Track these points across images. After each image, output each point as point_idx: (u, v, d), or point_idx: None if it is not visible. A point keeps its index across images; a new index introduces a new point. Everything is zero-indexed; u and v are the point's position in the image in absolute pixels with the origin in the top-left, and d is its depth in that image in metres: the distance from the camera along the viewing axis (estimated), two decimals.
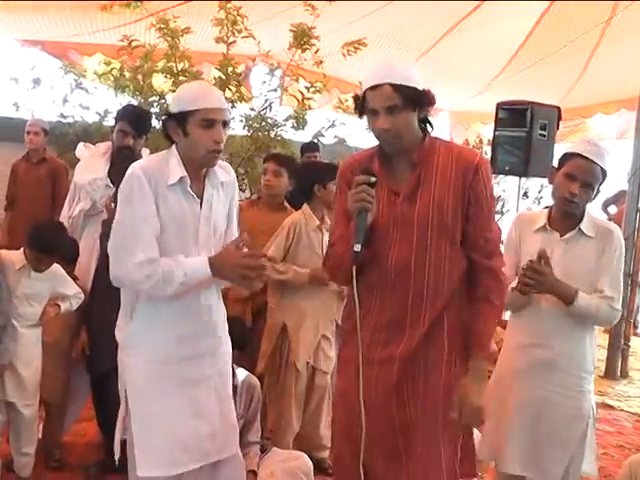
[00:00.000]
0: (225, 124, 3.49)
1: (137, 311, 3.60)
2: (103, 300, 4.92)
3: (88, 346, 5.05)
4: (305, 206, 5.60)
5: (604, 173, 3.88)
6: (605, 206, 12.08)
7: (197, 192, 3.54)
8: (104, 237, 4.97)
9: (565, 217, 3.94)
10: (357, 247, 3.13)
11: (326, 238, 5.43)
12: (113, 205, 4.94)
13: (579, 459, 4.00)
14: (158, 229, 3.43)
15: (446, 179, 3.24)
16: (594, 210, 4.06)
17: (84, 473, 5.14)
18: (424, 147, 3.29)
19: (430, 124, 3.34)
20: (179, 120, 3.47)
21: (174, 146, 3.55)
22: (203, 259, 3.43)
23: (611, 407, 7.83)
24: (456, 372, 3.30)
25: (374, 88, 3.18)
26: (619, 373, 9.01)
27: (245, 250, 3.52)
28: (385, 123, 3.18)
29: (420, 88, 3.21)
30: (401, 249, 3.24)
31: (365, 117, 3.29)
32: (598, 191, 3.94)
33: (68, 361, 5.18)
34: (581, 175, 3.83)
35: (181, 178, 3.47)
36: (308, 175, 5.71)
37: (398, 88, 3.14)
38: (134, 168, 3.50)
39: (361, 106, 3.27)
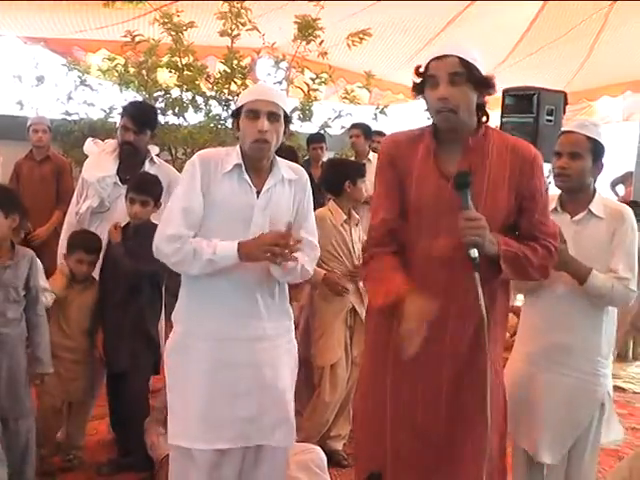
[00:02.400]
0: (273, 116, 3.61)
1: (185, 286, 3.80)
2: (113, 302, 4.94)
3: (103, 346, 5.06)
4: (332, 202, 5.62)
5: (594, 143, 3.87)
6: (613, 186, 12.07)
7: (257, 184, 3.68)
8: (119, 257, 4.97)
9: (573, 197, 3.93)
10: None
11: (354, 233, 5.57)
12: (118, 230, 4.96)
13: (587, 439, 3.99)
14: (199, 212, 3.62)
15: (500, 171, 3.18)
16: (604, 191, 4.03)
17: (96, 471, 5.13)
18: (478, 134, 3.23)
19: (487, 114, 3.28)
20: (236, 117, 3.72)
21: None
22: (234, 242, 3.53)
23: (623, 389, 7.82)
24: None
25: (440, 58, 3.15)
26: (631, 355, 9.00)
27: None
28: (445, 91, 3.10)
29: (484, 73, 3.18)
30: (446, 237, 3.14)
31: (420, 97, 3.25)
32: (600, 164, 3.93)
33: (89, 362, 5.12)
34: (564, 148, 3.88)
35: (236, 165, 3.64)
36: (339, 171, 5.73)
37: (465, 62, 3.11)
38: (196, 155, 3.77)
39: (421, 80, 3.21)
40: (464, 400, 3.23)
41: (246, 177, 3.64)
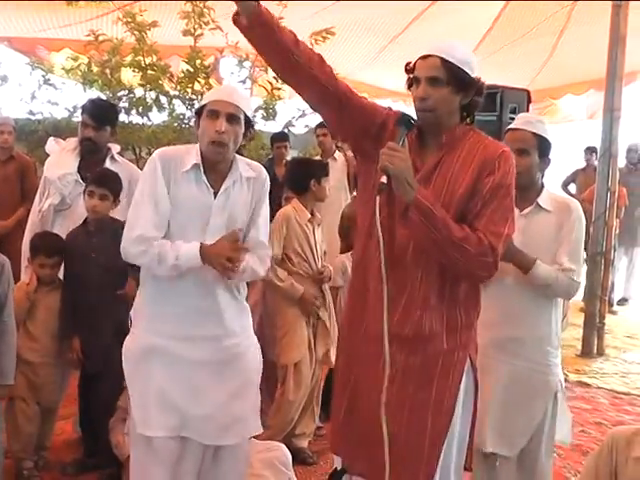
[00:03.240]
0: (232, 117, 3.59)
1: (144, 285, 3.77)
2: (87, 303, 4.92)
3: (80, 348, 5.00)
4: (295, 200, 5.63)
5: (541, 139, 3.96)
6: (565, 185, 12.19)
7: (215, 184, 3.66)
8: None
9: (523, 193, 3.93)
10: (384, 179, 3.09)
11: (317, 234, 5.59)
12: None
13: (543, 430, 4.06)
14: (166, 210, 3.60)
15: (465, 168, 3.17)
16: (556, 190, 4.09)
17: (60, 471, 5.11)
18: (455, 132, 3.25)
19: (472, 116, 3.32)
20: (198, 116, 3.70)
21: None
22: (196, 244, 3.53)
23: (588, 385, 7.88)
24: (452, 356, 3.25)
25: (424, 57, 3.19)
26: (595, 351, 9.06)
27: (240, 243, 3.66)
28: (423, 92, 3.16)
29: (471, 75, 3.19)
30: (407, 227, 3.15)
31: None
32: (547, 160, 4.02)
33: (59, 364, 5.08)
34: (511, 145, 3.83)
35: (194, 165, 3.61)
36: (304, 170, 5.76)
37: (447, 63, 3.13)
38: (155, 153, 3.72)
39: (411, 75, 3.26)
40: (407, 385, 3.24)
41: (203, 178, 3.63)
